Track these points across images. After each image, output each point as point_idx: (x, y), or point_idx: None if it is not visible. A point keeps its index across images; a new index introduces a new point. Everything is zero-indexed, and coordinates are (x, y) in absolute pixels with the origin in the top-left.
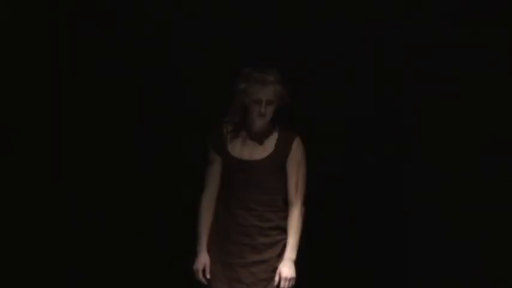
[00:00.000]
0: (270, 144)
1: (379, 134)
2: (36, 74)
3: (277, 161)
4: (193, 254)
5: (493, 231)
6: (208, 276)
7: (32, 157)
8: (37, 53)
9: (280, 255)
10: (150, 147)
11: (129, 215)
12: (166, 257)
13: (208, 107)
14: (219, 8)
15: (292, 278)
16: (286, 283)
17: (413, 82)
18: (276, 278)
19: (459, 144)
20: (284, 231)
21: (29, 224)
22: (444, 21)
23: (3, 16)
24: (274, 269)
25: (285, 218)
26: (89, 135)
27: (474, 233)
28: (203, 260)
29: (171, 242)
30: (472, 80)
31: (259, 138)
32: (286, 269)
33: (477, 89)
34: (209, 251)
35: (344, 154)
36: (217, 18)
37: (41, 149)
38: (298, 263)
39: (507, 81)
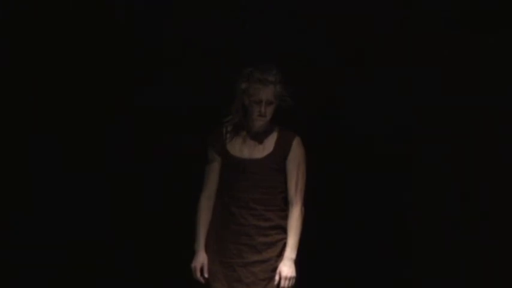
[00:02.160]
0: (270, 143)
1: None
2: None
3: (277, 160)
4: (192, 253)
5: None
6: (206, 275)
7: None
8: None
9: (280, 255)
10: (150, 147)
11: (128, 215)
12: (165, 257)
13: (209, 107)
14: (219, 8)
15: (292, 278)
16: (286, 282)
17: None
18: (276, 278)
19: (459, 144)
20: (284, 230)
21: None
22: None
23: (3, 16)
24: (274, 269)
25: (285, 217)
26: (88, 135)
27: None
28: (201, 259)
29: (171, 241)
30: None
31: (259, 138)
32: (286, 268)
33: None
34: (208, 251)
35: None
36: (217, 18)
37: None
38: (298, 263)
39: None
